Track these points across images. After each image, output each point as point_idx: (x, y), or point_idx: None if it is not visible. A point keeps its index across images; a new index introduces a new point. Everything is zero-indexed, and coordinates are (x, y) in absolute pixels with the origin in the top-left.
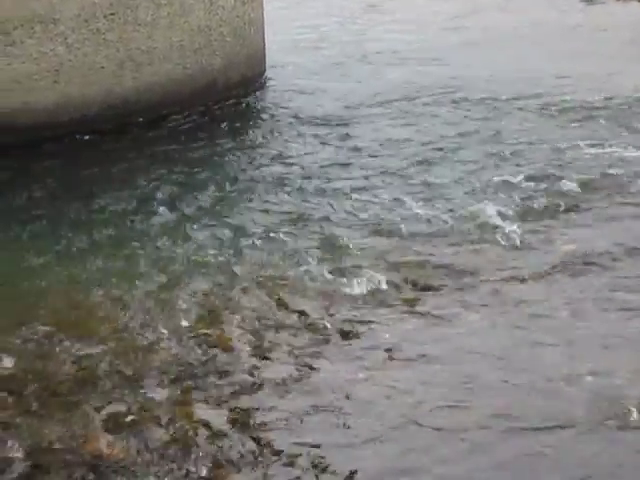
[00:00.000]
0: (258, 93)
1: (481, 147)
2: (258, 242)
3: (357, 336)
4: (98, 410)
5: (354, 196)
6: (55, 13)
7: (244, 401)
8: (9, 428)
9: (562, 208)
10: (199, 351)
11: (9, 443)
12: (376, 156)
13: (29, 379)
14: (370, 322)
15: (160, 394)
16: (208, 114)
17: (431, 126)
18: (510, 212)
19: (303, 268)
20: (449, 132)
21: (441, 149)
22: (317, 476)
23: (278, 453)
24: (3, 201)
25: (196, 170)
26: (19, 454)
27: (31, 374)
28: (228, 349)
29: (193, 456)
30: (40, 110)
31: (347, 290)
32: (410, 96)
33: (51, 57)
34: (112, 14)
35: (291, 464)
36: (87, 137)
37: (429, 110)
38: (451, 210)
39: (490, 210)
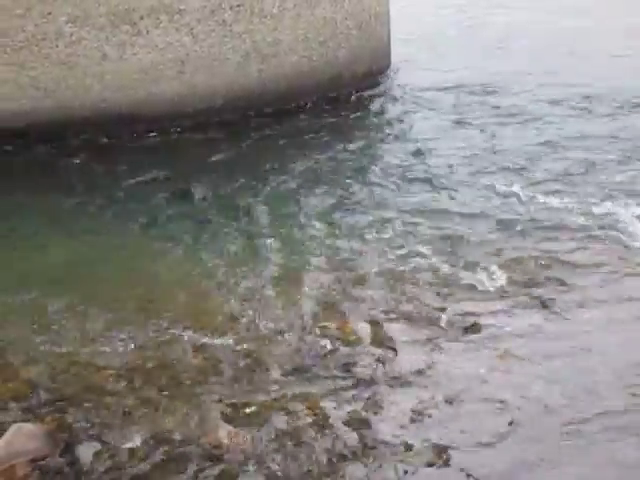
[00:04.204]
0: (383, 86)
1: (617, 144)
2: (378, 233)
3: (478, 330)
4: (219, 400)
5: (477, 188)
6: (181, 3)
7: (365, 394)
8: (130, 417)
9: None
10: (320, 343)
11: (130, 432)
12: (500, 148)
13: (151, 368)
14: (491, 316)
15: (281, 385)
16: (333, 107)
17: (561, 121)
18: (637, 211)
19: (424, 261)
20: (579, 127)
21: (571, 144)
22: (438, 471)
23: (399, 447)
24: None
25: (317, 162)
26: (139, 443)
27: (153, 363)
28: (349, 341)
29: (313, 448)
30: (165, 100)
31: (468, 284)
32: (540, 88)
33: (177, 47)
34: (239, 5)
35: (412, 459)
36: (213, 128)
37: (560, 107)
38: (577, 205)
39: (617, 207)
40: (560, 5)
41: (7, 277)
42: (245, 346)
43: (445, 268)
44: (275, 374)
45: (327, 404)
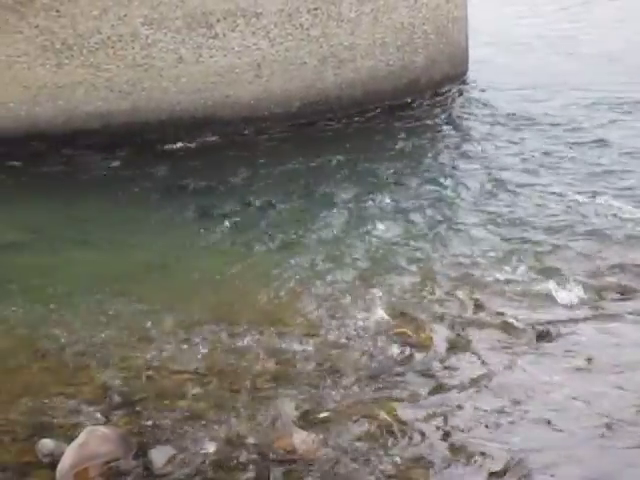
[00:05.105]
0: (460, 92)
1: None
2: (454, 240)
3: (554, 339)
4: (292, 406)
5: (552, 197)
6: (258, 7)
7: (439, 400)
8: (204, 421)
9: None
10: (395, 349)
11: (203, 436)
12: (575, 157)
13: (225, 372)
14: (568, 325)
15: (355, 391)
16: (409, 112)
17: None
18: None
19: (500, 269)
20: None
21: None
22: (514, 478)
23: (472, 453)
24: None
25: (394, 166)
26: (213, 447)
27: (227, 367)
28: (425, 347)
29: (387, 453)
30: (242, 104)
31: (545, 292)
32: (619, 100)
33: (253, 51)
34: (316, 9)
35: (484, 465)
36: (287, 132)
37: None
38: None
39: None
40: None
41: (82, 280)
42: (320, 351)
43: (521, 276)
44: (350, 379)
45: (402, 410)
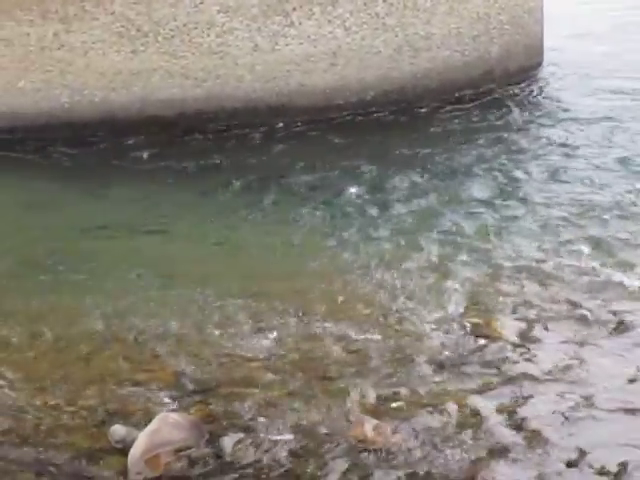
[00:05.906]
0: (534, 85)
1: None
2: (525, 230)
3: (628, 330)
4: (364, 395)
5: (626, 189)
6: None
7: (512, 391)
8: (276, 409)
9: None
10: (468, 339)
11: (276, 424)
12: None
13: (297, 361)
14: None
15: (428, 381)
16: (483, 103)
17: None
18: None
19: (574, 259)
20: None
21: None
22: (585, 471)
23: (545, 445)
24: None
25: (463, 157)
26: (285, 436)
27: (299, 356)
28: (497, 338)
29: (460, 444)
30: (317, 92)
31: (619, 283)
32: None
33: (329, 39)
34: None
35: (558, 457)
36: (361, 118)
37: None
38: None
39: None
40: None
41: (155, 267)
42: (391, 340)
43: (593, 266)
44: (422, 369)
45: (474, 400)
